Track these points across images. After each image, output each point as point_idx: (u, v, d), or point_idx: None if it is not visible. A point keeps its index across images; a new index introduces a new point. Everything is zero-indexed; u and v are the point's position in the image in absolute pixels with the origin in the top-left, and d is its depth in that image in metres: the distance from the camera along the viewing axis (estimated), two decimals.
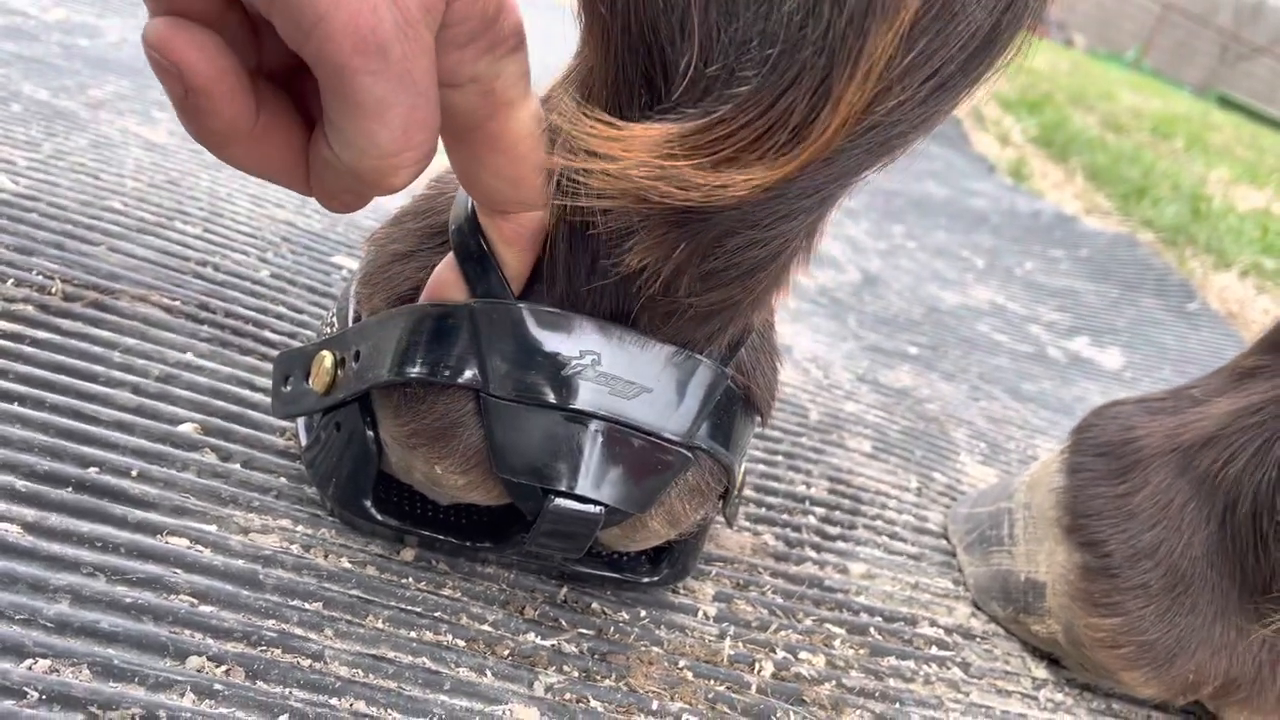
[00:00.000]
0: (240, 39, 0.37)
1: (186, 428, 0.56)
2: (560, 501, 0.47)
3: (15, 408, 0.52)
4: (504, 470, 0.47)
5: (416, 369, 0.47)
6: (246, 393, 0.60)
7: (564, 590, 0.55)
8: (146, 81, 1.02)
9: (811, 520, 0.70)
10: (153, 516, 0.49)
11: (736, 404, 0.51)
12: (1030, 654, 0.65)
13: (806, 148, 0.35)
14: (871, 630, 0.62)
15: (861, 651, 0.60)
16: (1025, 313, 1.40)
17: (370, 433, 0.50)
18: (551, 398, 0.46)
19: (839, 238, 1.42)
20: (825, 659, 0.58)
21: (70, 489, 0.49)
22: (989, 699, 0.60)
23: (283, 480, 0.55)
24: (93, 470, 0.51)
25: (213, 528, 0.50)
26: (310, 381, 0.52)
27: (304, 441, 0.55)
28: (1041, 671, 0.64)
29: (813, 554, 0.67)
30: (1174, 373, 1.33)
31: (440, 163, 0.45)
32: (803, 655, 0.58)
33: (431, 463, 0.48)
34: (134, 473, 0.51)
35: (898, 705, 0.57)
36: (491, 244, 0.45)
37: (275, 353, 0.65)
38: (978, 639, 0.65)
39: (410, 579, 0.52)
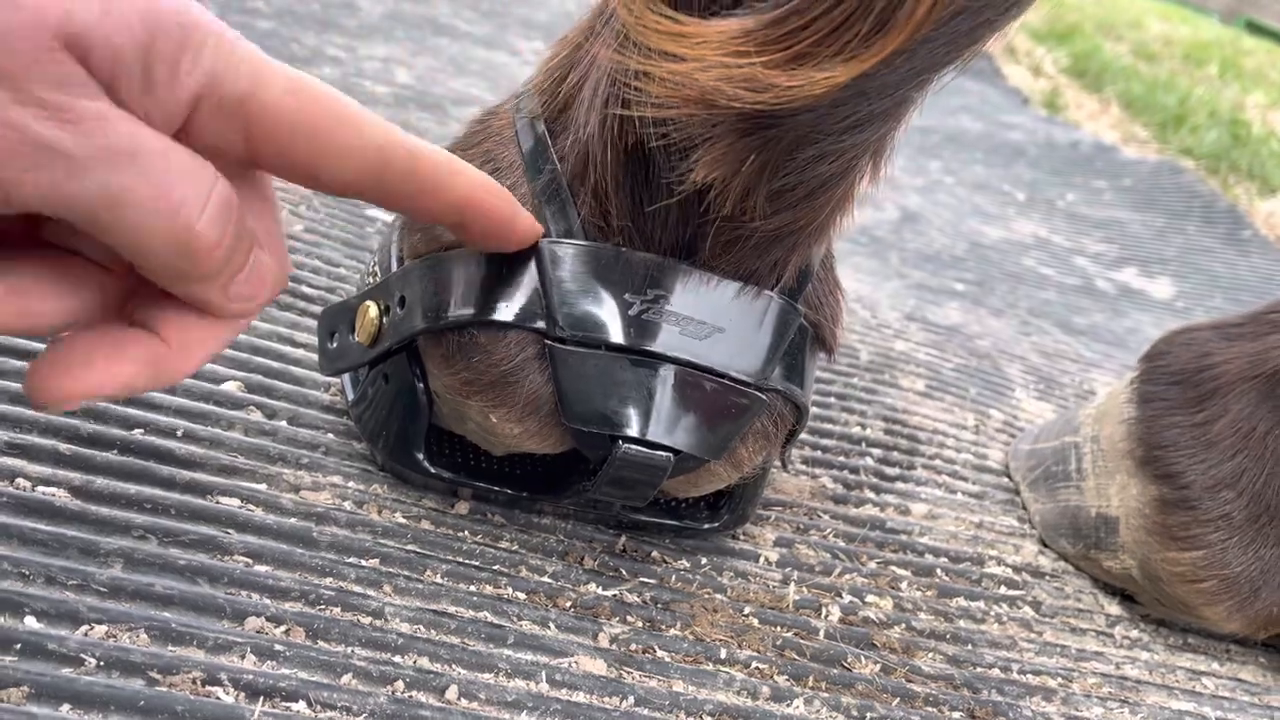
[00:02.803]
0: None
1: (229, 386, 0.54)
2: (629, 447, 0.45)
3: None
4: (572, 419, 0.45)
5: (468, 313, 0.45)
6: (287, 349, 0.59)
7: (622, 539, 0.54)
8: None
9: (869, 461, 0.68)
10: (201, 477, 0.48)
11: (806, 341, 0.49)
12: (1102, 591, 0.63)
13: (891, 38, 0.33)
14: (938, 571, 0.60)
15: (929, 593, 0.58)
16: (1070, 245, 1.37)
17: (420, 384, 0.49)
18: (621, 340, 0.44)
19: None
20: (893, 602, 0.56)
21: (115, 451, 0.48)
22: (1063, 637, 0.58)
23: (330, 436, 0.54)
24: (137, 432, 0.49)
25: (263, 486, 0.49)
26: (355, 334, 0.51)
27: (351, 396, 0.53)
28: (1115, 608, 0.62)
29: (872, 495, 0.65)
30: (1226, 300, 1.29)
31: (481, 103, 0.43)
32: (869, 598, 0.56)
33: (486, 412, 0.46)
34: (179, 433, 0.50)
35: (970, 647, 0.55)
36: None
37: (314, 307, 0.63)
38: (1047, 577, 0.63)
39: (466, 532, 0.51)
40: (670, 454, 0.45)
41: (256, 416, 0.53)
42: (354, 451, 0.53)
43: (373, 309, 0.50)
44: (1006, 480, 0.72)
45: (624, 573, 0.52)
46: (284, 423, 0.53)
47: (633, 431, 0.45)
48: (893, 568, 0.59)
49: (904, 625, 0.55)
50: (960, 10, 0.33)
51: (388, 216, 0.77)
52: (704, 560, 0.55)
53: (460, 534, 0.51)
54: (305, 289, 0.64)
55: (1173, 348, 0.62)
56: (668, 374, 0.45)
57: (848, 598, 0.55)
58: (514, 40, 1.54)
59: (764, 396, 0.47)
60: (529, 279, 0.45)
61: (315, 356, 0.58)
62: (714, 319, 0.45)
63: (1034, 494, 0.67)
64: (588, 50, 0.42)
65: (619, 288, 0.44)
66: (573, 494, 0.50)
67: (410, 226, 0.49)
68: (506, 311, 0.45)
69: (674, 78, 0.35)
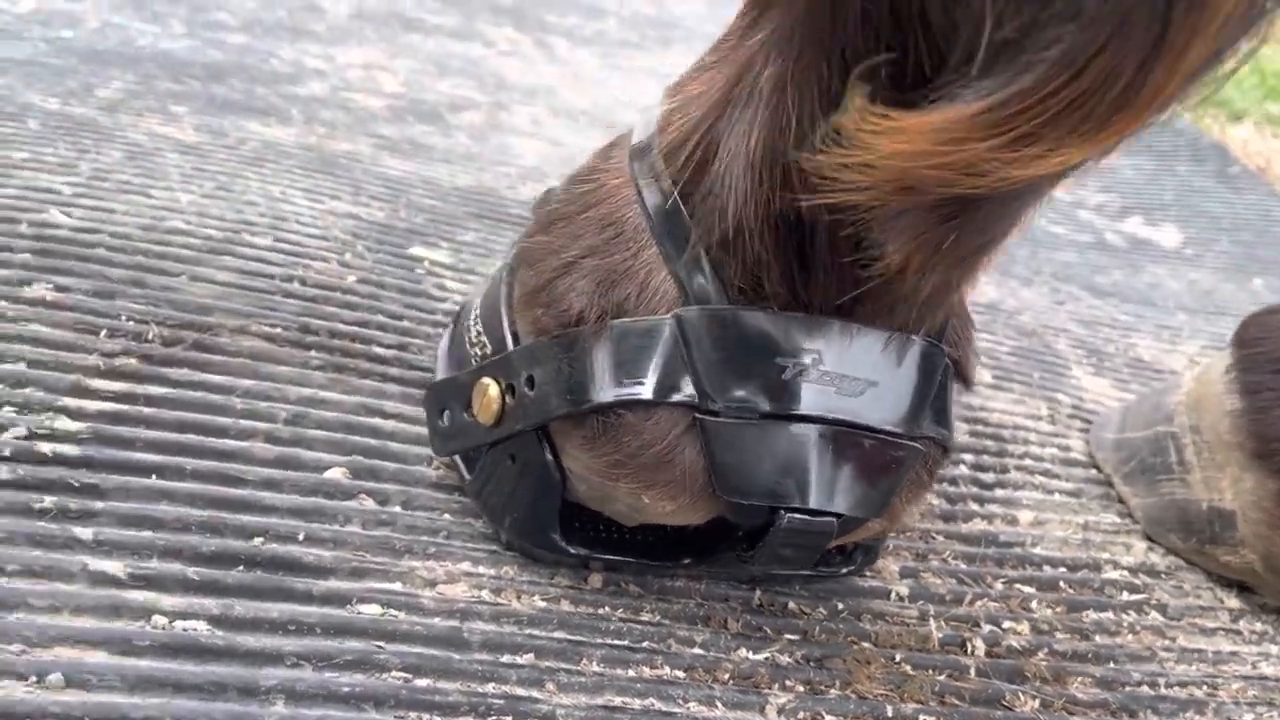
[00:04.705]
0: None
1: (334, 473, 0.51)
2: (792, 517, 0.43)
3: (156, 481, 0.48)
4: (730, 493, 0.43)
5: (614, 393, 0.43)
6: (378, 421, 0.56)
7: (757, 594, 0.52)
8: (149, 71, 0.95)
9: (964, 470, 0.67)
10: (336, 584, 0.45)
11: (950, 380, 0.47)
12: (1218, 584, 0.63)
13: (1136, 112, 0.30)
14: (1061, 584, 0.59)
15: (1059, 610, 0.57)
16: (1071, 198, 1.36)
17: (554, 463, 0.46)
18: (777, 408, 0.42)
19: None
20: (1029, 625, 0.55)
21: (242, 568, 0.45)
22: (1195, 641, 0.58)
23: (447, 517, 0.51)
24: (258, 541, 0.46)
25: (397, 585, 0.46)
26: (473, 413, 0.48)
27: (466, 474, 0.51)
28: (1234, 601, 0.62)
29: (977, 508, 0.64)
30: (1232, 243, 1.30)
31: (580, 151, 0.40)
32: (1006, 625, 0.55)
33: (638, 493, 0.44)
34: (300, 536, 0.47)
35: (1113, 664, 0.54)
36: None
37: (391, 370, 0.60)
38: (1163, 575, 0.63)
39: (607, 608, 0.49)
40: (834, 518, 0.44)
41: (370, 504, 0.50)
42: (475, 531, 0.51)
43: (493, 387, 0.47)
44: (1095, 472, 0.71)
45: (769, 631, 0.50)
46: (398, 508, 0.51)
47: (795, 501, 0.43)
48: (1018, 586, 0.58)
49: (1047, 650, 0.54)
50: (1197, 74, 0.31)
51: (431, 254, 0.74)
52: (840, 605, 0.53)
53: (601, 610, 0.49)
54: (377, 349, 0.61)
55: (1267, 332, 0.61)
56: (826, 436, 0.43)
57: (986, 627, 0.54)
58: (485, 29, 1.49)
59: (919, 446, 0.45)
60: (674, 351, 0.42)
61: (407, 427, 0.56)
62: (867, 374, 0.43)
63: (1131, 488, 0.67)
64: (732, 117, 0.40)
65: (770, 352, 0.42)
66: (723, 563, 0.48)
67: (532, 301, 0.46)
68: (654, 388, 0.42)
69: (884, 169, 0.32)
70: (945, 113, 0.31)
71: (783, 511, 0.43)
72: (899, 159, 0.32)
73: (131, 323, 0.57)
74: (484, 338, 0.50)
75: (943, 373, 0.46)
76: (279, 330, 0.60)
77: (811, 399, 0.42)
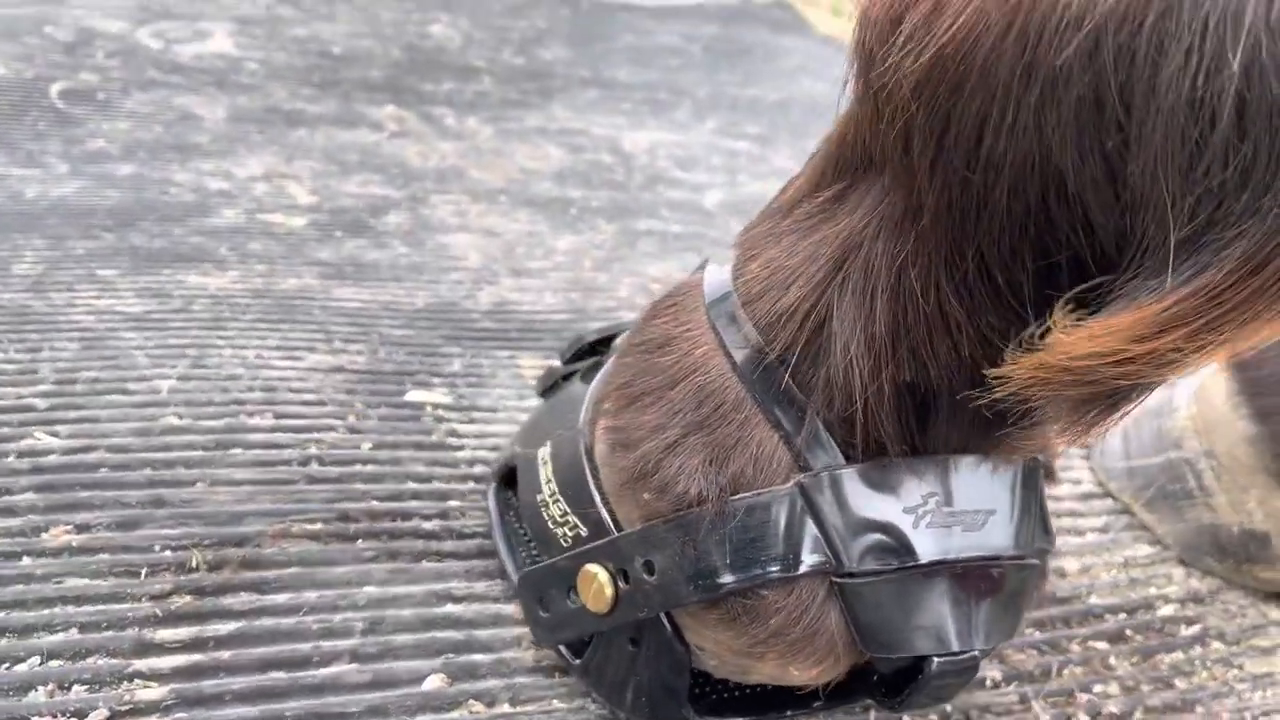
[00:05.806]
0: None
1: (433, 683, 0.49)
2: (940, 661, 0.43)
3: None
4: (877, 649, 0.43)
5: (750, 574, 0.42)
6: (454, 609, 0.54)
7: (872, 715, 0.52)
8: (55, 230, 0.89)
9: None
10: None
11: (1044, 485, 0.48)
12: (1259, 599, 0.66)
13: None
14: (1127, 632, 0.61)
15: (1135, 660, 0.59)
16: None
17: (675, 636, 0.45)
18: (910, 559, 0.42)
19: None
20: (1117, 684, 0.57)
21: None
22: (1259, 664, 0.60)
23: (558, 704, 0.50)
24: None
25: None
26: (581, 601, 0.47)
27: (572, 657, 0.49)
28: (1276, 613, 0.65)
29: None
30: None
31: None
32: (1097, 689, 0.56)
33: (784, 666, 0.44)
34: None
35: (1200, 708, 0.56)
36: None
37: (445, 545, 0.58)
38: (1207, 601, 0.65)
39: None
40: (978, 652, 0.44)
41: (480, 709, 0.48)
42: (592, 715, 0.49)
43: (601, 574, 0.46)
44: (1113, 502, 0.73)
45: None
46: (508, 705, 0.49)
47: (942, 648, 0.43)
48: (1092, 643, 0.60)
49: (1141, 709, 0.56)
50: None
51: (431, 396, 0.71)
52: (947, 706, 0.54)
53: None
54: (421, 524, 0.59)
55: (1265, 355, 0.64)
56: (960, 576, 0.43)
57: (1082, 697, 0.56)
58: (366, 111, 1.45)
59: (1036, 561, 0.46)
60: (802, 520, 0.42)
61: (484, 608, 0.54)
62: (984, 504, 0.44)
63: (1156, 515, 0.69)
64: (844, 297, 0.39)
65: (895, 503, 0.42)
66: (851, 701, 0.48)
67: (636, 485, 0.45)
68: (790, 562, 0.42)
69: (1065, 369, 0.32)
70: (1131, 313, 0.31)
71: (932, 658, 0.43)
72: (1084, 359, 0.32)
73: (169, 552, 0.53)
74: (573, 518, 0.48)
75: (1040, 482, 0.47)
76: (319, 526, 0.57)
77: (940, 542, 0.43)
